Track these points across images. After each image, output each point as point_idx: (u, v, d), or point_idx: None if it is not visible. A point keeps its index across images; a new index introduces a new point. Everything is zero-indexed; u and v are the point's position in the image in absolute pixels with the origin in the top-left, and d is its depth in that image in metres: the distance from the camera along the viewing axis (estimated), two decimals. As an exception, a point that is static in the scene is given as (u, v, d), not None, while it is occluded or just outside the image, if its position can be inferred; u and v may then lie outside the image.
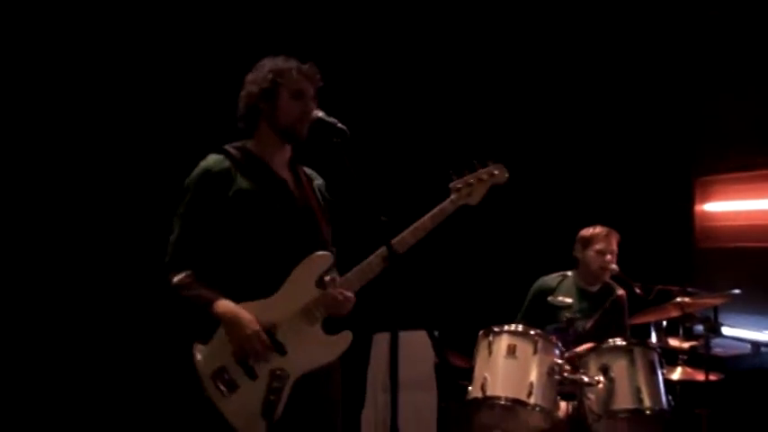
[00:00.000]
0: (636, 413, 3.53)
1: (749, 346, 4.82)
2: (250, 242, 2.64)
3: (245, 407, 2.47)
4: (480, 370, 3.62)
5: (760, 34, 5.01)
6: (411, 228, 2.71)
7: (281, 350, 2.54)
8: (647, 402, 3.52)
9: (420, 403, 2.44)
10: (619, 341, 3.72)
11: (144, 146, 4.36)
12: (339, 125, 2.62)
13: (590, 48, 5.59)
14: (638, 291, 4.14)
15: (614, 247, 4.18)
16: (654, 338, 4.51)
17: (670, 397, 3.67)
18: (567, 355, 3.73)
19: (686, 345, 4.34)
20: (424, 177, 3.77)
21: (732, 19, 5.21)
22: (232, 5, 4.62)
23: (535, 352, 3.60)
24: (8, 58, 4.07)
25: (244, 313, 2.52)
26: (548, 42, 5.55)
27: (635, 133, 5.61)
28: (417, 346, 2.47)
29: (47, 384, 4.11)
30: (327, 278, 2.63)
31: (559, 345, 3.71)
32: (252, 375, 2.52)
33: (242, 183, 2.67)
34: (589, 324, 4.14)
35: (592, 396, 3.59)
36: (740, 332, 4.83)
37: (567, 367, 3.62)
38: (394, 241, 2.60)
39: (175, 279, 2.57)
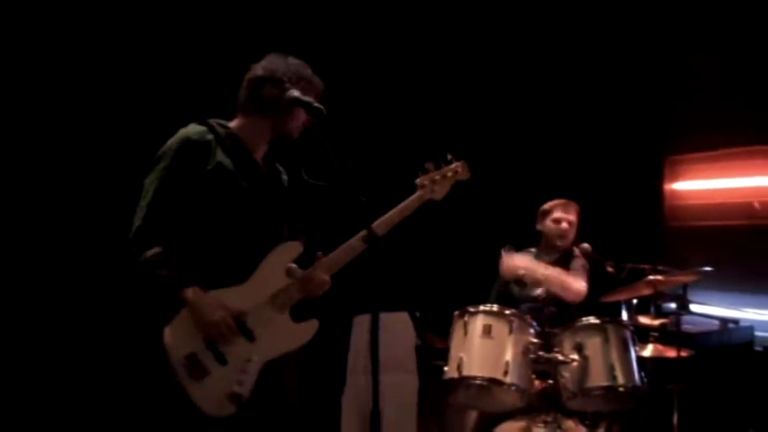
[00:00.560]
0: (610, 390, 3.56)
1: (717, 323, 4.91)
2: (223, 222, 2.62)
3: (214, 391, 2.49)
4: (456, 350, 3.62)
5: (731, 15, 5.06)
6: (379, 221, 2.75)
7: (249, 336, 2.58)
8: (620, 379, 3.55)
9: (401, 385, 2.41)
10: (592, 319, 3.74)
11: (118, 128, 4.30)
12: (315, 104, 2.63)
13: (560, 27, 5.60)
14: (610, 269, 4.18)
15: (572, 216, 4.23)
16: (624, 316, 4.55)
17: (643, 374, 3.71)
18: None
19: (656, 322, 4.39)
20: (391, 160, 3.79)
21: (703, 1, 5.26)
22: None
23: (510, 332, 3.61)
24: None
25: (210, 300, 2.53)
26: (517, 22, 5.54)
27: (606, 113, 5.64)
28: (398, 328, 2.45)
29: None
30: (293, 266, 2.66)
31: (534, 324, 3.72)
32: (222, 361, 2.53)
33: (223, 159, 2.64)
34: (539, 290, 4.05)
35: (566, 374, 3.61)
36: (708, 309, 4.89)
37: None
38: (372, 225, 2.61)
39: (148, 254, 2.51)
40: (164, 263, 2.52)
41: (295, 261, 2.69)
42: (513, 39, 5.55)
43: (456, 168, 2.96)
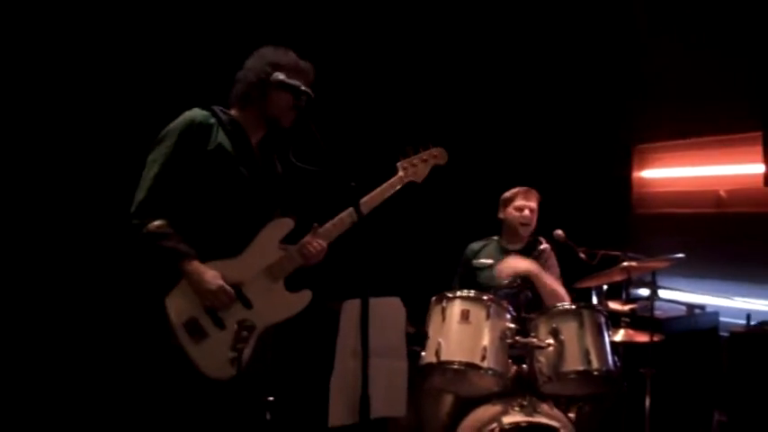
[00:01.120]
0: (585, 374, 3.60)
1: (684, 308, 5.01)
2: (220, 199, 2.76)
3: (213, 354, 2.65)
4: (434, 335, 3.63)
5: (698, 1, 5.13)
6: (362, 200, 2.88)
7: (247, 304, 2.77)
8: (595, 364, 3.59)
9: (390, 370, 2.42)
10: (567, 305, 3.79)
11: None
12: (303, 87, 2.74)
13: (525, 16, 5.60)
14: (582, 256, 4.24)
15: (533, 204, 4.27)
16: (594, 302, 4.61)
17: (616, 358, 3.77)
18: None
19: (626, 308, 4.47)
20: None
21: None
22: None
23: (488, 317, 3.63)
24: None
25: (209, 272, 2.69)
26: (482, 11, 5.53)
27: (574, 101, 5.68)
28: (388, 313, 2.46)
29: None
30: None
31: (510, 309, 3.75)
32: (221, 325, 2.72)
33: (224, 141, 2.79)
34: (506, 281, 4.02)
35: (542, 359, 3.65)
36: (676, 295, 4.99)
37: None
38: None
39: (152, 225, 2.65)
40: (167, 235, 2.66)
41: (286, 239, 2.86)
42: (479, 28, 5.54)
43: (434, 153, 3.18)
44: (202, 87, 3.27)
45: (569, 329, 3.67)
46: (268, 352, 2.92)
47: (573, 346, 3.63)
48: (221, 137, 2.78)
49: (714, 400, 4.62)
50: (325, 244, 2.88)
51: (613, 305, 4.44)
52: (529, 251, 4.24)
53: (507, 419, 3.40)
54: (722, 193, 5.16)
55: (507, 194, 4.35)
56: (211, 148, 2.75)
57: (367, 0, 5.18)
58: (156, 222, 2.65)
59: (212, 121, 2.81)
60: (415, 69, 5.40)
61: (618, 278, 4.27)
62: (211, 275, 2.68)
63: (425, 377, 3.69)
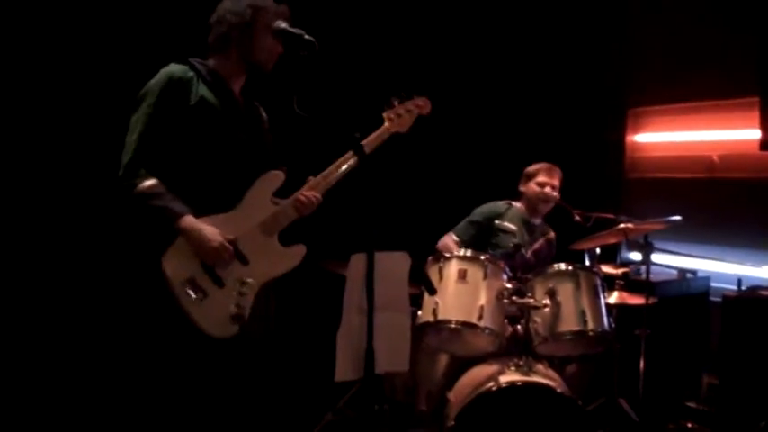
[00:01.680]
0: (580, 334, 3.62)
1: (676, 272, 5.03)
2: (207, 153, 2.70)
3: (214, 312, 2.62)
4: (431, 294, 3.61)
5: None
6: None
7: (243, 260, 2.71)
8: (590, 324, 3.61)
9: (394, 325, 2.40)
10: (563, 266, 3.78)
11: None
12: (306, 37, 2.70)
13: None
14: (577, 218, 4.27)
15: (555, 181, 4.30)
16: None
17: (611, 319, 3.78)
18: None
19: (619, 271, 4.48)
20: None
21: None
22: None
23: (485, 276, 3.63)
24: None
25: (208, 228, 2.63)
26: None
27: (568, 65, 5.62)
28: (393, 267, 2.43)
29: None
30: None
31: (507, 269, 3.75)
32: (219, 283, 2.66)
33: (205, 93, 2.71)
34: (529, 253, 4.23)
35: (538, 319, 3.65)
36: (668, 259, 5.00)
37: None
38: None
39: (143, 186, 2.58)
40: (159, 194, 2.59)
41: (278, 192, 2.81)
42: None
43: (419, 103, 3.12)
44: (176, 42, 3.18)
45: (566, 290, 3.67)
46: (271, 306, 2.87)
47: (569, 306, 3.64)
48: (203, 89, 2.70)
49: (704, 363, 4.67)
50: (319, 195, 2.82)
51: (606, 268, 4.45)
52: (542, 232, 4.37)
53: (504, 378, 3.40)
54: (715, 158, 5.15)
55: (530, 169, 4.35)
56: (194, 103, 2.67)
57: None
58: (148, 182, 2.57)
59: (191, 74, 2.72)
60: (410, 28, 5.31)
61: (613, 240, 4.27)
62: (211, 232, 2.61)
63: (422, 336, 3.69)
